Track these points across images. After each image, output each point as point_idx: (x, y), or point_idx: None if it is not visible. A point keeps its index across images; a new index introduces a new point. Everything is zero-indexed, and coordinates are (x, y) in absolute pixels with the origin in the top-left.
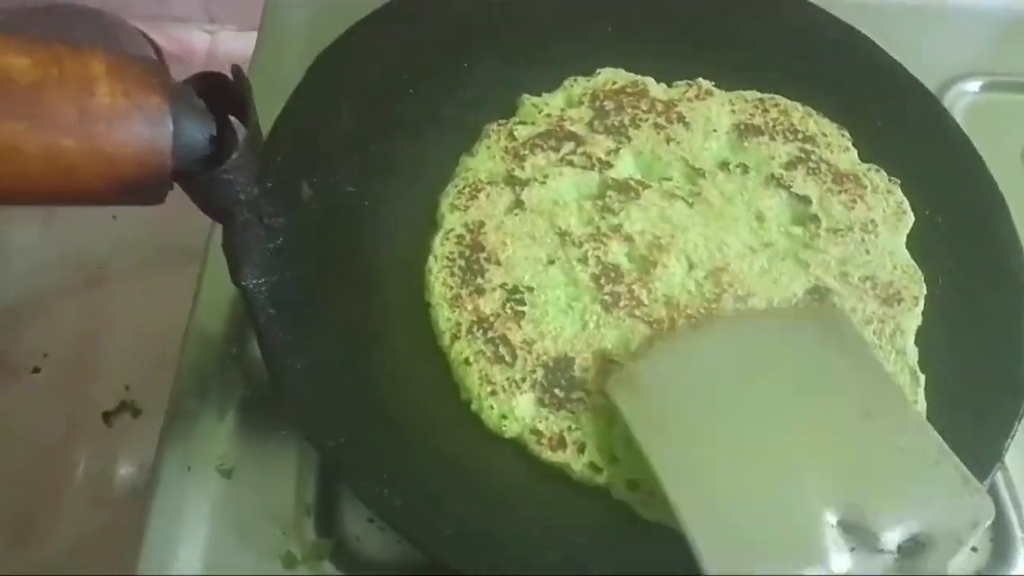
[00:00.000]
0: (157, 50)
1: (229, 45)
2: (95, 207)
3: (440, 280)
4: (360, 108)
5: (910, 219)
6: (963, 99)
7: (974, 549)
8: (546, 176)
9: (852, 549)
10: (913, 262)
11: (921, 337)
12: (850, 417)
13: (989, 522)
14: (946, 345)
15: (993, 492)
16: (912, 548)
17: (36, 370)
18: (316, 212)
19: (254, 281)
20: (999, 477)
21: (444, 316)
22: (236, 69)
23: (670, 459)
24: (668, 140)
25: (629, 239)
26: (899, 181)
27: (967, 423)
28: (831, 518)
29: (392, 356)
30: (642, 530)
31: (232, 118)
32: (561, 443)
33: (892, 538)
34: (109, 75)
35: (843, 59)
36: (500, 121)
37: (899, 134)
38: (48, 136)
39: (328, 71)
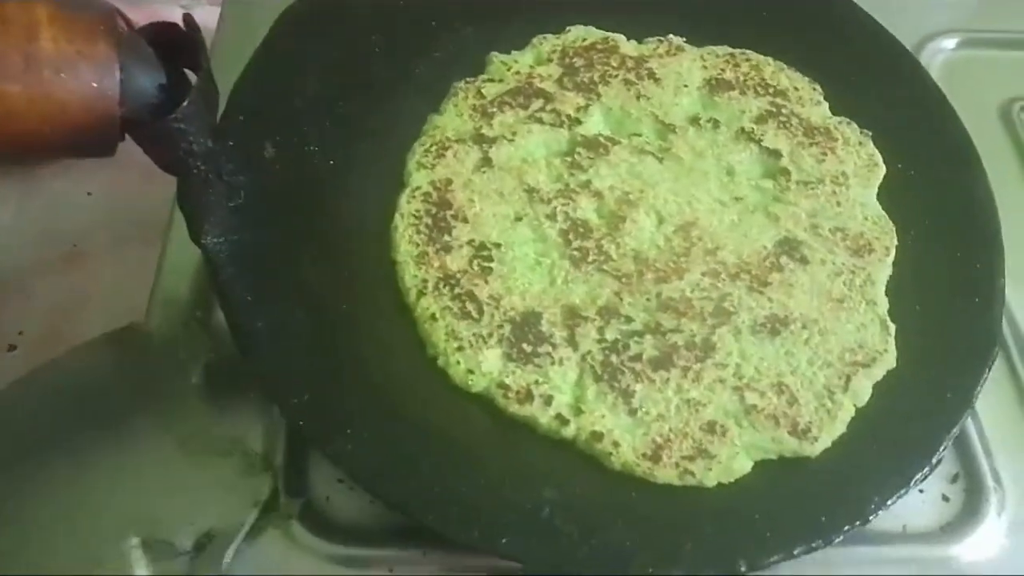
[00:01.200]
0: (130, 26)
1: (203, 20)
2: (71, 183)
3: (406, 238)
4: (326, 67)
5: (881, 171)
6: (940, 56)
7: (946, 499)
8: (514, 133)
9: (154, 561)
10: (884, 214)
11: (892, 288)
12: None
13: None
14: (917, 296)
15: (965, 441)
16: (204, 543)
17: (11, 348)
18: (280, 171)
19: (214, 240)
20: (971, 427)
21: (410, 273)
22: (187, 17)
23: None
24: (638, 96)
25: (598, 195)
26: (871, 134)
27: (938, 372)
28: (133, 541)
29: (357, 314)
30: (609, 480)
31: (187, 71)
32: (528, 396)
33: (185, 540)
34: (51, 21)
35: (817, 15)
36: (468, 79)
37: (872, 88)
38: None
39: (292, 30)
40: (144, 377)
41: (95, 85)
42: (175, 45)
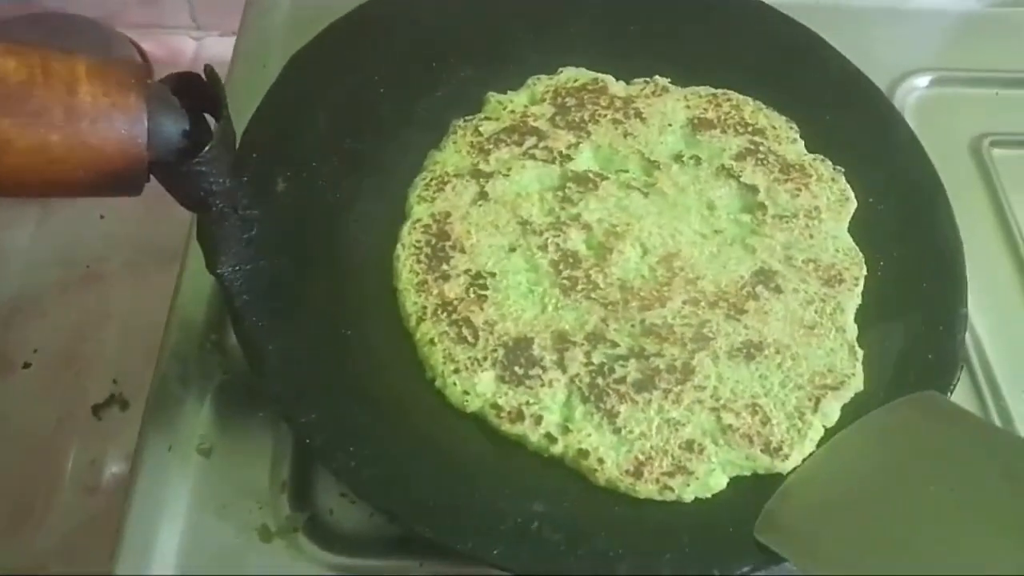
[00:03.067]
0: (144, 55)
1: (214, 49)
2: (85, 207)
3: (407, 267)
4: (333, 107)
5: (852, 205)
6: (913, 94)
7: None
8: (509, 169)
9: None
10: (854, 246)
11: (861, 316)
12: (995, 482)
13: None
14: (885, 323)
15: None
16: None
17: (27, 365)
18: (291, 204)
19: (229, 269)
20: None
21: (411, 300)
22: (209, 69)
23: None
24: (625, 135)
25: (587, 227)
26: (843, 170)
27: (903, 394)
28: None
29: (362, 338)
30: (595, 495)
31: (207, 115)
32: (519, 416)
33: None
34: (90, 76)
35: (795, 57)
36: (467, 117)
37: (846, 127)
38: (37, 132)
39: (302, 71)
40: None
41: (125, 132)
42: (197, 93)
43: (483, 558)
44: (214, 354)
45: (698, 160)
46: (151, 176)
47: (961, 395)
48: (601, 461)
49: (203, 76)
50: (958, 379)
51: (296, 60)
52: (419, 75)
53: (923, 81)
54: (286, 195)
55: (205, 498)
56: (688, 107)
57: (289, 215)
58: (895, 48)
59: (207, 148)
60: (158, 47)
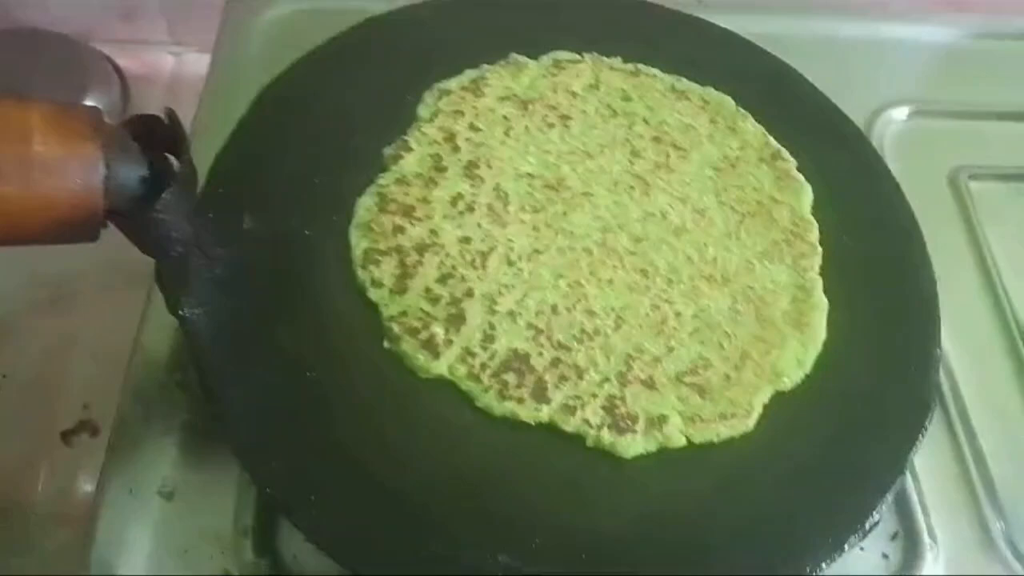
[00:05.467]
0: (120, 74)
1: (193, 67)
2: None
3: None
4: (304, 141)
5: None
6: (892, 126)
7: (885, 556)
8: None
9: None
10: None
11: (831, 355)
12: None
13: None
14: (856, 364)
15: (904, 500)
16: None
17: None
18: (257, 242)
19: (191, 311)
20: (910, 485)
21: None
22: (169, 112)
23: None
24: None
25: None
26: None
27: (875, 435)
28: None
29: (329, 382)
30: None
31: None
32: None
33: None
34: (44, 125)
35: (771, 92)
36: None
37: (821, 163)
38: None
39: (272, 105)
40: None
41: (80, 183)
42: (159, 134)
43: None
44: (179, 392)
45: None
46: (107, 223)
47: (935, 434)
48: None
49: (164, 119)
50: (930, 419)
51: (267, 93)
52: (390, 110)
53: (902, 113)
54: (253, 233)
55: (167, 542)
56: None
57: (255, 253)
58: (873, 80)
59: (165, 194)
60: (136, 63)
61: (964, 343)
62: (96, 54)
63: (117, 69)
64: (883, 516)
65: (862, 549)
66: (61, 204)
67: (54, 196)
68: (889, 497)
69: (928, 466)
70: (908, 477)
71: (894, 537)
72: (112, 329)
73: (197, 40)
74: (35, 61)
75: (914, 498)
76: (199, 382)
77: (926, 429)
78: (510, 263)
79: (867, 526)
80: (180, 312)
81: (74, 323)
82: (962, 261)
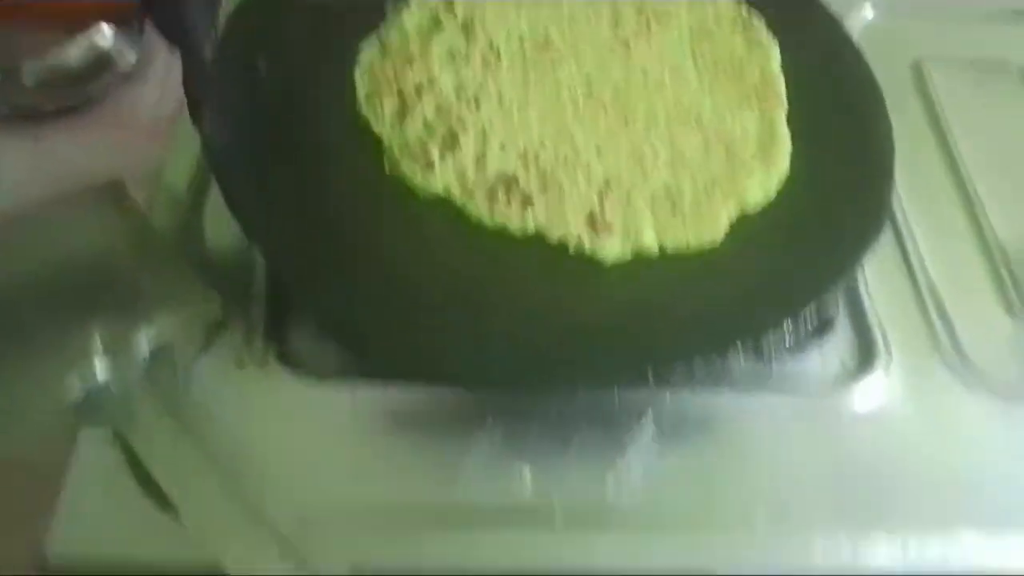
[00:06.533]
0: None
1: None
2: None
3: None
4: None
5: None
6: (860, 23)
7: (843, 364)
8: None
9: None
10: None
11: (792, 181)
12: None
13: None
14: (816, 187)
15: (860, 315)
16: (160, 354)
17: None
18: (271, 83)
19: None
20: (867, 305)
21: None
22: None
23: None
24: None
25: None
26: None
27: (831, 244)
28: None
29: (336, 177)
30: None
31: None
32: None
33: (144, 345)
34: None
35: None
36: None
37: (789, 32)
38: None
39: None
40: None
41: None
42: None
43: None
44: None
45: None
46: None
47: (889, 260)
48: None
49: None
50: (882, 229)
51: None
52: None
53: (869, 13)
54: (268, 76)
55: None
56: None
57: (269, 96)
58: None
59: None
60: None
61: (918, 190)
62: None
63: None
64: (839, 318)
65: (822, 354)
66: None
67: None
68: (839, 287)
69: (883, 290)
70: (865, 298)
71: (852, 348)
72: None
73: None
74: None
75: (870, 315)
76: (218, 183)
77: (878, 236)
78: (501, 106)
79: (819, 310)
80: (201, 128)
81: None
82: (922, 138)
